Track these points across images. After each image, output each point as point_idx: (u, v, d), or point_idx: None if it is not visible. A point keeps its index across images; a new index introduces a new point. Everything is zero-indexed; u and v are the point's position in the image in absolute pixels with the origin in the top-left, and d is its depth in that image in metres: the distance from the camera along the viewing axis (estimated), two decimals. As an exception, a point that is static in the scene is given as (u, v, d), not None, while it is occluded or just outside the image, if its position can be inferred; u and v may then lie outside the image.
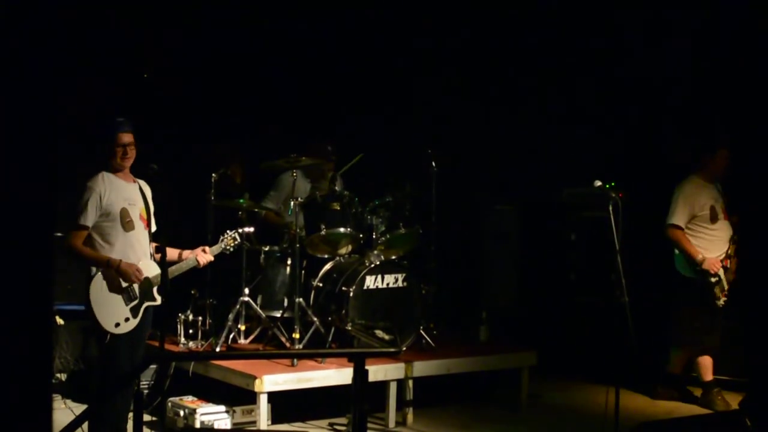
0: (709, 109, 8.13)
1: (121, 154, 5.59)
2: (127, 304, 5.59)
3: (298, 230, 7.18)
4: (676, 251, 7.47)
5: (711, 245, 7.34)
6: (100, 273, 5.57)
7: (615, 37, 8.56)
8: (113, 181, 5.62)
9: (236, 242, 6.28)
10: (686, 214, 7.40)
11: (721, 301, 7.30)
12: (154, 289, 5.70)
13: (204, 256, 5.97)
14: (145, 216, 5.71)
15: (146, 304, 5.68)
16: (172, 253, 5.83)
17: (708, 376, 7.55)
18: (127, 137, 5.60)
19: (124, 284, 5.60)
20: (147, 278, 5.67)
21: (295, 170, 7.36)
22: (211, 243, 6.76)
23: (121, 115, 5.73)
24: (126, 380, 5.55)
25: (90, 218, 5.53)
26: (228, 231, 6.30)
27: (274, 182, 7.93)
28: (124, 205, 5.60)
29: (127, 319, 5.59)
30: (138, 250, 5.67)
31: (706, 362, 7.54)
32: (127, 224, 5.60)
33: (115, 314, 5.55)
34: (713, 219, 7.33)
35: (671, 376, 7.72)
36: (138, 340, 5.71)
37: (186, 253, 5.91)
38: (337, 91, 9.07)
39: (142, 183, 5.81)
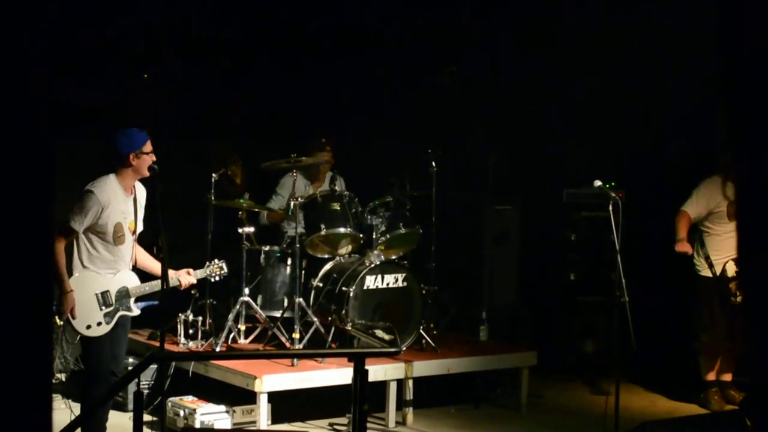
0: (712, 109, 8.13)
1: (150, 161, 5.57)
2: (101, 309, 5.60)
3: (298, 231, 7.19)
4: (695, 254, 7.40)
5: (726, 243, 7.26)
6: (80, 274, 5.58)
7: (615, 36, 8.55)
8: (117, 193, 5.60)
9: (222, 272, 6.31)
10: (698, 206, 7.31)
11: (738, 299, 7.19)
12: (131, 300, 5.72)
13: (187, 277, 5.98)
14: (133, 228, 5.73)
15: (121, 313, 5.69)
16: (155, 266, 5.77)
17: (710, 375, 7.52)
18: (150, 145, 5.64)
19: (101, 289, 5.60)
20: (126, 288, 5.69)
21: (295, 171, 7.38)
22: (211, 244, 6.78)
23: (119, 117, 5.76)
24: (108, 380, 5.59)
25: (84, 225, 5.52)
26: (216, 260, 6.32)
27: (278, 183, 7.94)
28: (119, 220, 5.60)
29: (99, 324, 5.60)
30: (120, 262, 5.70)
31: (712, 362, 7.51)
32: (118, 239, 5.60)
33: (87, 316, 5.57)
34: (730, 216, 7.24)
35: (710, 383, 7.54)
36: (117, 346, 5.71)
37: (170, 273, 5.85)
38: (338, 91, 9.06)
39: (138, 189, 5.78)
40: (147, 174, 5.60)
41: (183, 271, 5.96)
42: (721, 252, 7.26)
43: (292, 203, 7.26)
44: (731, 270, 7.17)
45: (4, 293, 2.04)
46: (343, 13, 8.95)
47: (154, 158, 5.60)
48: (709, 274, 7.31)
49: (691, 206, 7.35)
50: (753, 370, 1.96)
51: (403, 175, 7.68)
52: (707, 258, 7.32)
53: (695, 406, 7.51)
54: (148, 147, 5.60)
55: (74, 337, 5.65)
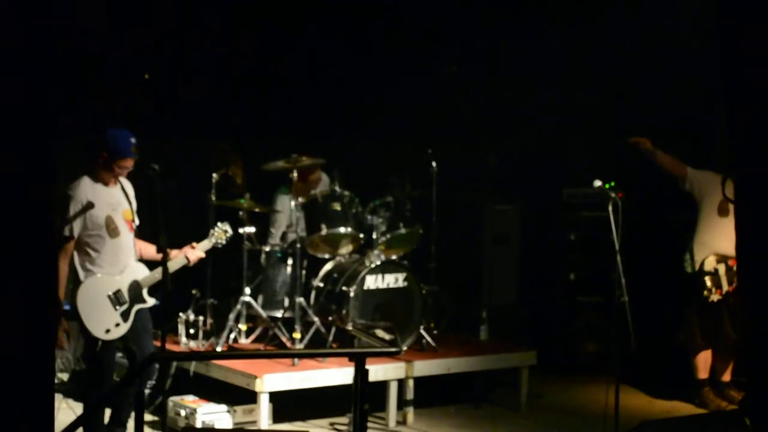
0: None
1: (115, 175, 5.60)
2: (116, 310, 5.59)
3: (298, 232, 7.21)
4: (686, 257, 7.40)
5: (712, 240, 7.25)
6: (88, 279, 5.58)
7: (615, 36, 8.56)
8: (96, 188, 5.60)
9: (227, 235, 6.27)
10: (697, 173, 7.31)
11: (713, 297, 7.19)
12: (144, 291, 5.72)
13: (193, 252, 5.96)
14: (130, 217, 5.72)
15: (137, 307, 5.70)
16: (155, 252, 5.82)
17: (700, 374, 7.51)
18: (131, 163, 5.60)
19: (112, 289, 5.60)
20: (136, 281, 5.69)
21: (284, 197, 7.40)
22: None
23: (124, 120, 5.75)
24: (127, 380, 5.58)
25: (75, 229, 5.52)
26: (218, 224, 6.29)
27: (270, 218, 7.90)
28: (108, 212, 5.60)
29: (117, 325, 5.60)
30: (123, 256, 5.69)
31: (699, 360, 7.51)
32: (112, 231, 5.59)
33: (104, 320, 5.56)
34: (721, 212, 7.19)
35: (701, 382, 7.52)
36: (138, 339, 5.73)
37: (174, 252, 5.88)
38: (337, 91, 9.07)
39: (124, 181, 5.78)
40: (110, 183, 5.63)
41: (186, 248, 5.96)
42: (705, 247, 7.25)
43: (292, 203, 7.29)
44: (709, 265, 7.18)
45: (5, 295, 2.05)
46: (343, 12, 8.96)
47: (126, 171, 5.61)
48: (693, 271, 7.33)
49: (692, 169, 7.35)
50: (752, 370, 1.97)
51: (403, 175, 7.68)
52: (690, 251, 7.33)
53: (694, 405, 7.52)
54: (125, 164, 5.57)
55: (96, 345, 5.58)
